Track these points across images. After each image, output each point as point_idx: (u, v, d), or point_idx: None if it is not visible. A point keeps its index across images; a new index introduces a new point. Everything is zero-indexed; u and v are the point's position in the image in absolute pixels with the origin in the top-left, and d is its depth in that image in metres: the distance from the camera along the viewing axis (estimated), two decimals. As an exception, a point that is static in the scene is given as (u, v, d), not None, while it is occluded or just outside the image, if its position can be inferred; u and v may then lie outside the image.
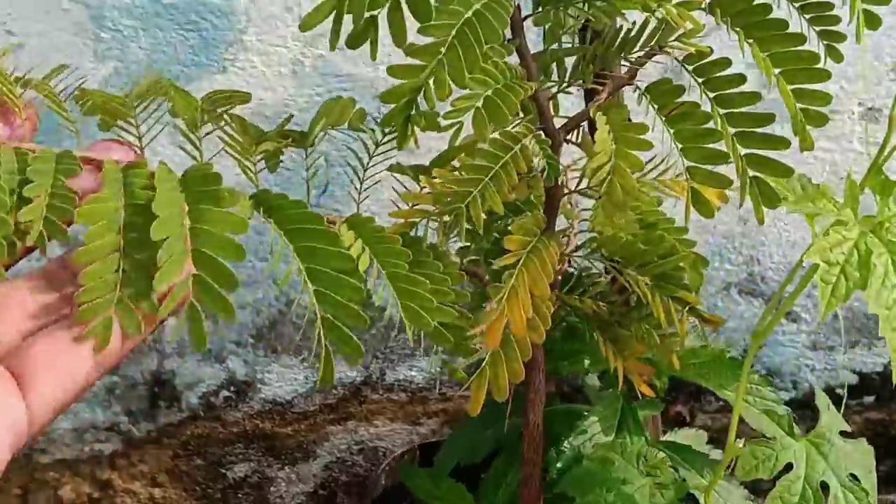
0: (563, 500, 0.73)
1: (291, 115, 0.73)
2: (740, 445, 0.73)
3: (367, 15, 0.53)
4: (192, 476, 1.34)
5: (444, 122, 0.57)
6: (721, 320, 0.71)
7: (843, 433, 0.74)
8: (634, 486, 0.70)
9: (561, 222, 0.74)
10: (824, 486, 0.66)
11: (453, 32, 0.54)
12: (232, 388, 1.29)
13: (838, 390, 1.27)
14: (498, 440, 0.79)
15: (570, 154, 0.72)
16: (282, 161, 0.70)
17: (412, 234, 0.65)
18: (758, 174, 0.62)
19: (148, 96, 0.65)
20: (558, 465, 0.72)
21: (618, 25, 0.64)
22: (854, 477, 0.67)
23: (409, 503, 0.92)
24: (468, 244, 0.75)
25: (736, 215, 1.18)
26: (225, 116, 0.70)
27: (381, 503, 0.90)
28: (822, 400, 0.73)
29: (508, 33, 0.61)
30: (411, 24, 0.54)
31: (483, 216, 0.61)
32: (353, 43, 0.55)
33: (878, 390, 1.28)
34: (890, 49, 1.07)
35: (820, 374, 1.27)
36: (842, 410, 1.25)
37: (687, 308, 0.70)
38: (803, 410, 1.28)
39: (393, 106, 0.58)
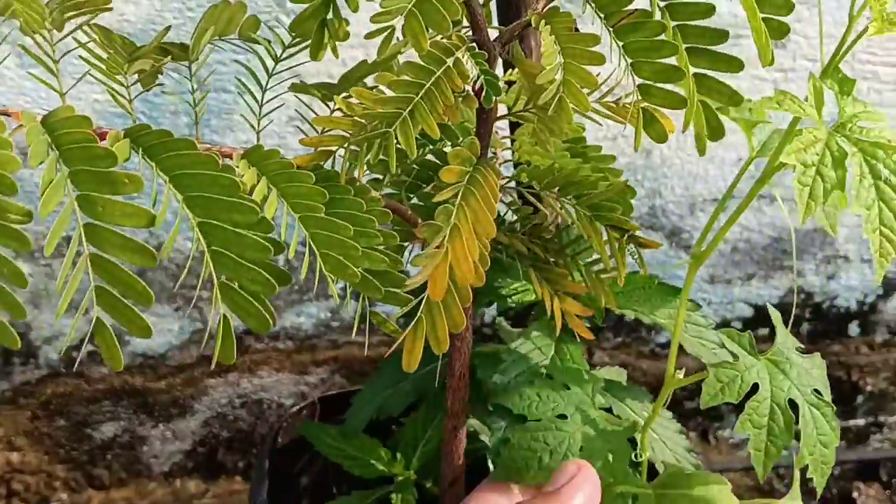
0: (485, 451, 0.66)
1: (169, 27, 0.62)
2: (680, 376, 0.69)
3: None
4: (53, 438, 1.21)
5: (369, 28, 0.47)
6: (657, 244, 0.65)
7: (798, 350, 0.71)
8: (593, 413, 0.65)
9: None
10: (791, 404, 0.62)
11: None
12: (96, 342, 1.15)
13: (734, 324, 1.26)
14: (415, 392, 0.72)
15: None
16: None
17: (326, 166, 0.55)
18: (705, 99, 0.56)
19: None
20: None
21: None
22: (817, 392, 0.63)
23: (310, 458, 0.84)
24: (380, 177, 0.66)
25: (640, 147, 1.13)
26: (85, 28, 0.58)
27: (278, 459, 0.81)
28: (775, 316, 0.69)
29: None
30: None
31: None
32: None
33: (772, 322, 1.28)
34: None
35: (717, 307, 1.25)
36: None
37: (626, 236, 0.64)
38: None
39: (305, 7, 0.48)
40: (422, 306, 0.50)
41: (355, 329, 0.55)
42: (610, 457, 0.64)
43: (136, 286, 0.42)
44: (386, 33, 0.47)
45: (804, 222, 0.57)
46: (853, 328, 1.31)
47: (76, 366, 1.18)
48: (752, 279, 1.24)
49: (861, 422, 1.38)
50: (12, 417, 1.19)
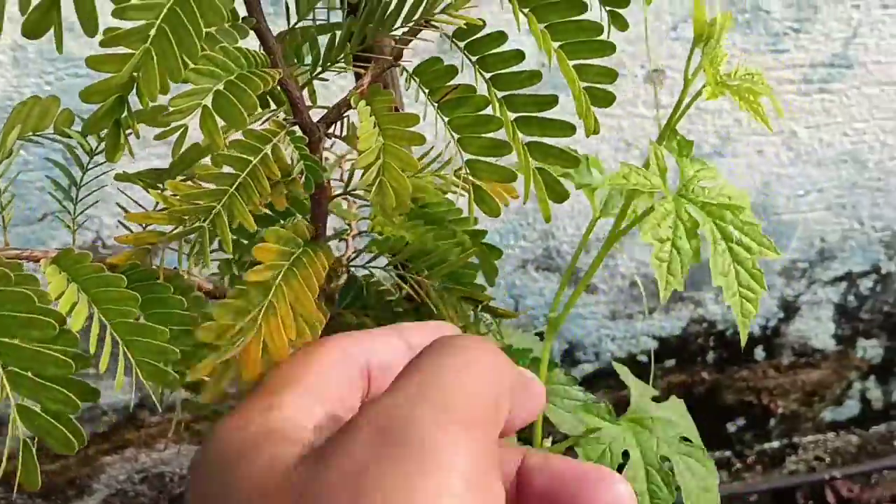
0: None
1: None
2: (548, 445, 0.68)
3: (38, -4, 0.40)
4: (-57, 532, 1.15)
5: (163, 128, 0.45)
6: (514, 314, 0.64)
7: (654, 399, 0.70)
8: None
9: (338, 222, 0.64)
10: (664, 459, 0.61)
11: (162, 13, 0.42)
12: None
13: (640, 357, 1.26)
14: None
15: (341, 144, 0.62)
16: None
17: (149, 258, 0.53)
18: (542, 165, 0.55)
19: None
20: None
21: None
22: (686, 439, 0.63)
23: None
24: (228, 256, 0.63)
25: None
26: None
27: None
28: (622, 371, 0.69)
29: (244, 11, 0.50)
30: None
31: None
32: (31, 30, 0.43)
33: (678, 353, 1.28)
34: (669, 8, 1.04)
35: (621, 343, 1.25)
36: (651, 376, 1.24)
37: (480, 307, 0.63)
38: (608, 379, 1.26)
39: (98, 106, 0.46)
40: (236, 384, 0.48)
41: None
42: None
43: None
44: (178, 133, 0.45)
45: (664, 300, 0.57)
46: (759, 353, 1.32)
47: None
48: (654, 312, 1.24)
49: (776, 444, 1.39)
50: None
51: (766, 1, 1.06)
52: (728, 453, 1.35)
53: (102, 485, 1.17)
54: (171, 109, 0.45)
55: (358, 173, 0.66)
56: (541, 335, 0.87)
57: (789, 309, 1.28)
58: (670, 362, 1.27)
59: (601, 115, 0.56)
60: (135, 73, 0.43)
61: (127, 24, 0.43)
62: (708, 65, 0.57)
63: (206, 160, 0.58)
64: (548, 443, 0.66)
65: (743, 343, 0.57)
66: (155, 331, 0.48)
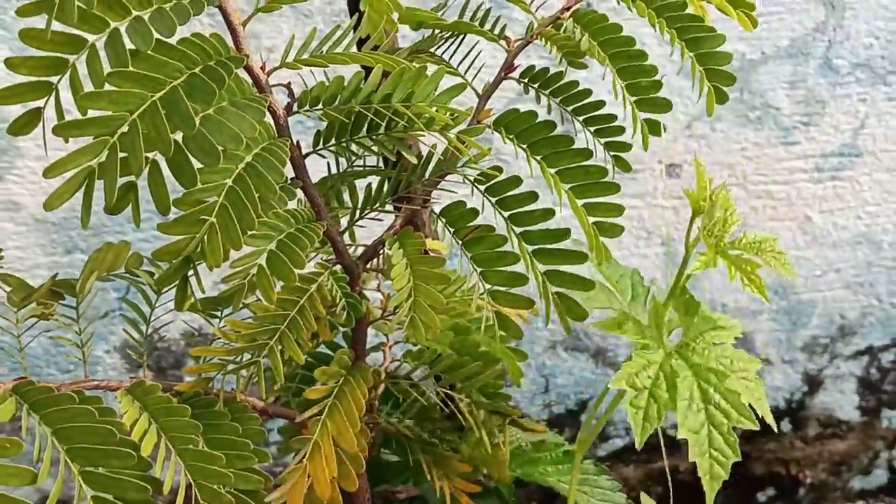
0: None
1: (56, 273, 0.67)
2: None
3: (122, 182, 0.48)
4: None
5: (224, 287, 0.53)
6: (543, 430, 0.70)
7: None
8: None
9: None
10: None
11: (223, 193, 0.50)
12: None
13: (669, 431, 1.30)
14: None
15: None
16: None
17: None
18: (560, 290, 0.61)
19: None
20: None
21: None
22: None
23: None
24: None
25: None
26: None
27: None
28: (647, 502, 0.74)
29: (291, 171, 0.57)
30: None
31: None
32: (111, 211, 0.50)
33: (705, 427, 1.32)
34: (684, 108, 1.11)
35: (649, 418, 1.30)
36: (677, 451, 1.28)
37: (508, 420, 0.69)
38: (638, 455, 1.30)
39: (168, 265, 0.53)
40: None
41: None
42: None
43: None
44: (237, 289, 0.52)
45: (641, 444, 0.60)
46: (785, 425, 1.35)
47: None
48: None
49: (806, 513, 1.42)
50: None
51: (776, 98, 1.12)
52: (759, 523, 1.39)
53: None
54: (231, 272, 0.52)
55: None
56: (571, 413, 0.90)
57: (813, 383, 1.32)
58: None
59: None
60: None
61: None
62: (706, 236, 0.61)
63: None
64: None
65: (710, 501, 0.58)
66: (214, 457, 0.55)
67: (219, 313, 0.66)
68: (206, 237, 0.50)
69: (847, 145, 1.17)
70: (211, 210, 0.49)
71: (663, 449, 1.26)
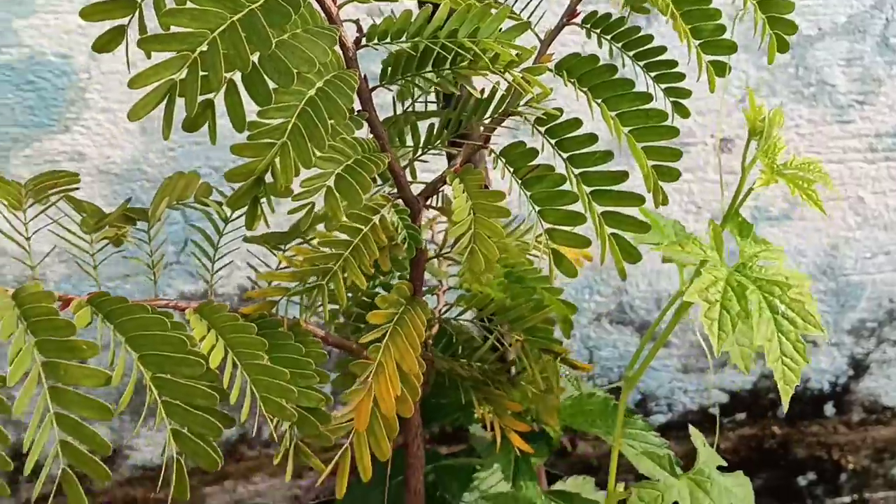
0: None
1: (130, 198, 0.69)
2: (621, 489, 0.74)
3: (201, 99, 0.50)
4: (60, 553, 1.26)
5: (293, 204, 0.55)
6: (589, 367, 0.71)
7: (720, 468, 0.75)
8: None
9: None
10: None
11: (295, 113, 0.52)
12: (98, 456, 1.21)
13: (711, 410, 1.30)
14: (385, 501, 0.77)
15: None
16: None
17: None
18: (616, 231, 0.62)
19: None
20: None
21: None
22: None
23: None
24: (337, 306, 0.72)
25: (602, 247, 1.20)
26: (61, 202, 0.66)
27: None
28: (697, 438, 0.74)
29: (357, 105, 0.59)
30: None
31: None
32: (190, 127, 0.53)
33: (749, 407, 1.32)
34: (738, 83, 1.11)
35: (693, 395, 1.30)
36: (717, 430, 1.28)
37: (558, 359, 0.70)
38: (678, 432, 1.31)
39: (240, 185, 0.55)
40: (349, 437, 0.56)
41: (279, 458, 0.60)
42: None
43: (96, 439, 0.49)
44: (307, 209, 0.54)
45: (719, 353, 0.62)
46: (829, 409, 1.35)
47: (79, 479, 1.23)
48: (725, 366, 1.29)
49: (847, 499, 1.41)
50: (21, 532, 1.25)
51: (831, 76, 1.12)
52: (799, 507, 1.38)
53: (203, 514, 1.27)
54: (301, 190, 0.54)
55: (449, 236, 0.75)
56: (613, 390, 0.92)
57: (859, 367, 1.32)
58: (741, 416, 1.31)
59: (675, 182, 0.62)
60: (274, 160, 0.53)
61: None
62: (763, 155, 0.63)
63: (321, 226, 0.67)
64: (620, 487, 0.72)
65: (785, 409, 0.60)
66: (279, 372, 0.57)
67: (282, 247, 0.68)
68: (278, 155, 0.51)
69: (902, 125, 1.17)
70: (284, 129, 0.51)
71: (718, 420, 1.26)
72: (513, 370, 0.74)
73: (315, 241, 0.61)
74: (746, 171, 0.64)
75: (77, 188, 0.61)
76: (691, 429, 0.75)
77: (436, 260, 0.75)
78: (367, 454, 0.57)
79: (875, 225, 1.22)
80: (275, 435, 0.57)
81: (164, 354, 0.53)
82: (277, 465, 0.57)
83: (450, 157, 0.74)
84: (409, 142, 0.67)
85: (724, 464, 0.71)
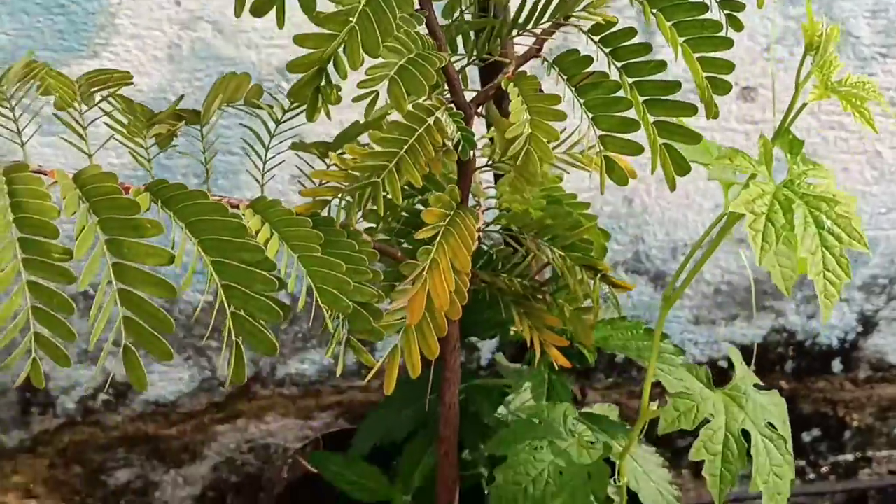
0: (481, 479, 0.72)
1: (182, 95, 0.69)
2: (654, 408, 0.74)
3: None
4: (70, 485, 1.26)
5: (358, 92, 0.55)
6: (630, 286, 0.72)
7: (756, 386, 0.76)
8: (563, 444, 0.70)
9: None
10: (745, 435, 0.68)
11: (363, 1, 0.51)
12: (111, 391, 1.22)
13: (720, 363, 1.31)
14: (416, 420, 0.77)
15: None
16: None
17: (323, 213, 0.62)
18: (668, 141, 0.63)
19: (20, 79, 0.60)
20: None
21: None
22: (771, 426, 0.69)
23: (313, 499, 0.89)
24: (374, 224, 0.73)
25: (622, 196, 1.20)
26: (109, 99, 0.66)
27: (283, 500, 0.87)
28: (734, 354, 0.75)
29: (416, 4, 0.59)
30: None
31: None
32: (258, 10, 0.52)
33: (758, 361, 1.33)
34: (763, 30, 1.11)
35: (703, 347, 1.31)
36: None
37: (599, 276, 0.70)
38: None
39: (301, 76, 0.55)
40: (400, 334, 0.57)
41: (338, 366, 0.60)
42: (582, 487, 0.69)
43: (158, 315, 0.49)
44: (371, 97, 0.54)
45: (761, 263, 0.63)
46: (836, 365, 1.36)
47: (92, 414, 1.23)
48: (736, 319, 1.30)
49: (850, 457, 1.43)
50: (31, 465, 1.24)
51: (856, 27, 1.13)
52: (802, 462, 1.40)
53: (213, 452, 1.27)
54: (365, 77, 0.54)
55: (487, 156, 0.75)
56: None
57: (868, 324, 1.33)
58: (750, 369, 1.33)
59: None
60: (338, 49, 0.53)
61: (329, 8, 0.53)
62: (818, 71, 0.63)
63: (365, 138, 0.68)
64: (654, 406, 0.73)
65: (825, 320, 0.61)
66: (333, 264, 0.57)
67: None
68: (346, 40, 0.51)
69: (924, 80, 1.17)
70: (354, 11, 0.51)
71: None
72: (551, 288, 0.74)
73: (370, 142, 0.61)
74: (800, 87, 0.65)
75: (131, 83, 0.61)
76: (728, 346, 0.75)
77: (475, 181, 0.75)
78: (416, 351, 0.58)
79: (892, 180, 1.23)
80: (329, 325, 0.57)
81: (224, 239, 0.53)
82: (328, 356, 0.57)
83: (485, 72, 0.74)
84: (462, 51, 0.67)
85: (760, 383, 0.72)
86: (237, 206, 0.60)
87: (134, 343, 0.49)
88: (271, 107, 0.65)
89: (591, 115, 0.62)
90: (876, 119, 1.18)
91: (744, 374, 0.72)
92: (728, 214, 0.68)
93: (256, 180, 0.63)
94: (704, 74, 0.61)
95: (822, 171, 0.65)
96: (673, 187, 0.63)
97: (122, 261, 0.50)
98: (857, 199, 0.65)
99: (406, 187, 0.63)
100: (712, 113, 0.62)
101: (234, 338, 0.52)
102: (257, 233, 0.57)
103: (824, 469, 1.42)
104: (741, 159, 0.64)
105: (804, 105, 0.64)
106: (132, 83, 0.62)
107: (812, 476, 1.42)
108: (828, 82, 0.63)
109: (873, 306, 1.32)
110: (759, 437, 0.71)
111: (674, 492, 0.81)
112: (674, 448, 1.36)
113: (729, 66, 0.62)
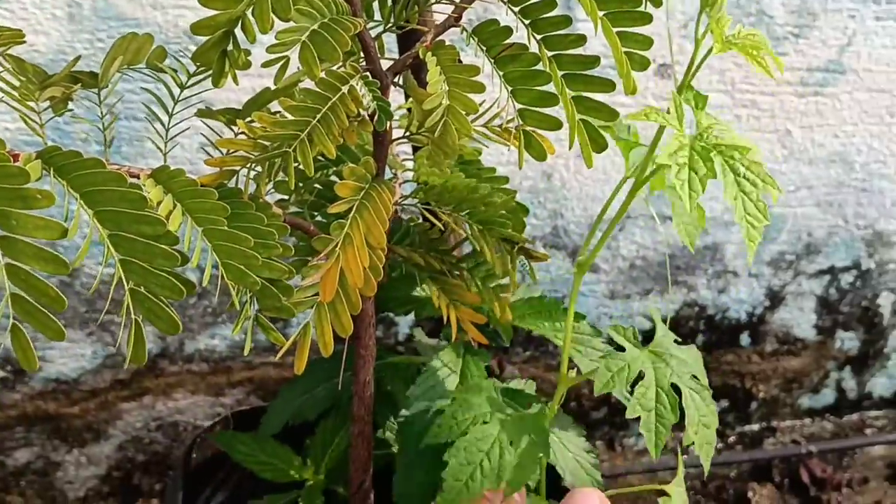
0: (391, 458, 0.70)
1: (79, 56, 0.65)
2: (573, 374, 0.74)
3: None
4: (-35, 467, 1.20)
5: (268, 57, 0.52)
6: (546, 256, 0.71)
7: (675, 342, 0.76)
8: (502, 416, 0.69)
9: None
10: (675, 389, 0.68)
11: (276, -43, 0.49)
12: (8, 368, 1.16)
13: (634, 336, 1.33)
14: (329, 399, 0.75)
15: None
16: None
17: (230, 185, 0.59)
18: (585, 117, 0.62)
19: None
20: (400, 418, 0.69)
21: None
22: (695, 377, 0.69)
23: (224, 477, 0.87)
24: (286, 197, 0.70)
25: (540, 171, 1.20)
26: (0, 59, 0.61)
27: (192, 479, 0.84)
28: (654, 313, 0.76)
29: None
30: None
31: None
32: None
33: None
34: (681, 7, 1.12)
35: (618, 320, 1.32)
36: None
37: (517, 248, 0.70)
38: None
39: (207, 38, 0.52)
40: (312, 311, 0.54)
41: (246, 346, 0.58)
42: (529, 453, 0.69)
43: (49, 292, 0.45)
44: (281, 63, 0.52)
45: (691, 211, 0.63)
46: (744, 338, 1.39)
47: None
48: (650, 294, 1.31)
49: (755, 427, 1.47)
50: (-78, 447, 1.18)
51: (770, 6, 1.14)
52: (710, 434, 1.43)
53: (119, 430, 1.23)
54: (276, 42, 0.51)
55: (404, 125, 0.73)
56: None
57: (775, 298, 1.36)
58: (661, 343, 1.35)
59: (615, 106, 0.63)
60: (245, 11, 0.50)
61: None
62: (714, 25, 0.64)
63: (275, 106, 0.65)
64: (573, 373, 0.73)
65: (750, 261, 0.63)
66: (239, 237, 0.54)
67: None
68: (255, 1, 0.49)
69: (833, 61, 1.20)
70: (263, -27, 0.49)
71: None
72: (468, 264, 0.73)
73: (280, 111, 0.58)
74: (699, 42, 0.65)
75: (22, 41, 0.57)
76: (650, 306, 0.76)
77: (392, 153, 0.73)
78: (328, 329, 0.56)
79: (800, 159, 1.26)
80: (236, 302, 0.54)
81: (122, 211, 0.50)
82: (235, 334, 0.55)
83: (402, 40, 0.72)
84: (377, 17, 0.64)
85: (679, 339, 0.73)
86: (137, 176, 0.57)
87: (23, 321, 0.46)
88: (175, 70, 0.61)
89: (510, 89, 0.60)
90: (787, 99, 1.20)
91: (664, 333, 0.72)
92: (635, 178, 0.68)
93: (159, 149, 0.60)
94: (623, 49, 0.60)
95: (723, 123, 0.66)
96: (590, 164, 0.62)
97: (9, 234, 0.46)
98: (759, 149, 0.66)
99: (320, 158, 0.61)
100: (630, 88, 0.61)
101: (133, 315, 0.49)
102: (159, 204, 0.54)
103: (731, 439, 1.46)
104: (655, 114, 0.64)
105: (704, 58, 0.64)
106: (24, 41, 0.58)
107: (720, 446, 1.45)
108: (723, 37, 0.64)
109: (780, 281, 1.36)
110: (688, 390, 0.71)
111: (591, 460, 0.81)
112: (588, 420, 1.37)
113: (647, 42, 0.61)
